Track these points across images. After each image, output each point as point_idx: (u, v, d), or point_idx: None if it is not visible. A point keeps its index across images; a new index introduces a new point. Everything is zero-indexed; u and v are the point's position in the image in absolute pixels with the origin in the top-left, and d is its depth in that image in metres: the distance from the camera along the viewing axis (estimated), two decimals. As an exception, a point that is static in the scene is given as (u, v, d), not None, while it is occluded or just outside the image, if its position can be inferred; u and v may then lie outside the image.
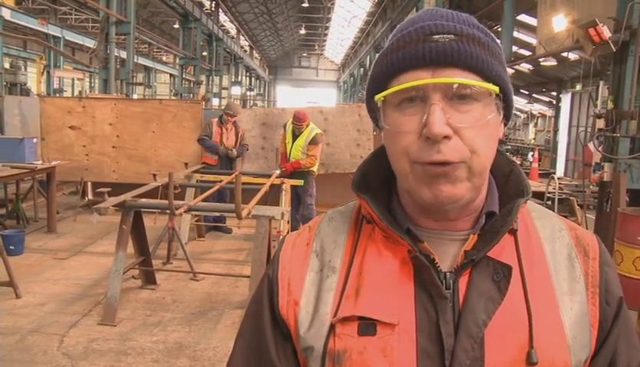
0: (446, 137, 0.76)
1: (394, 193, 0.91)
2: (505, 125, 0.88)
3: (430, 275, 0.81)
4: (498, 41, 0.85)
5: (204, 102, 12.38)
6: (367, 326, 0.81)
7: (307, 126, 7.61)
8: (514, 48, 12.95)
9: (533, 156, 15.59)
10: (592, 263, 0.88)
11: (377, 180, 0.92)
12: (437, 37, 0.78)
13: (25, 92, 17.42)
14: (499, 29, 13.31)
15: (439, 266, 0.82)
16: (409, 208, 0.88)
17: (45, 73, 21.31)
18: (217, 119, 8.22)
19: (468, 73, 0.78)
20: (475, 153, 0.78)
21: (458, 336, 0.78)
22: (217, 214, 7.63)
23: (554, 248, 0.88)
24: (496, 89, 0.80)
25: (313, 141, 7.56)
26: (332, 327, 0.83)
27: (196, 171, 7.44)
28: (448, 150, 0.76)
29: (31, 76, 22.72)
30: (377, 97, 0.83)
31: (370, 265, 0.86)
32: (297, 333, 0.87)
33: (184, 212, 4.95)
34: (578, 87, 16.23)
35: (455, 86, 0.77)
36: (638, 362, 0.88)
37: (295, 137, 7.63)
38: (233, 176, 5.03)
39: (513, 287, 0.81)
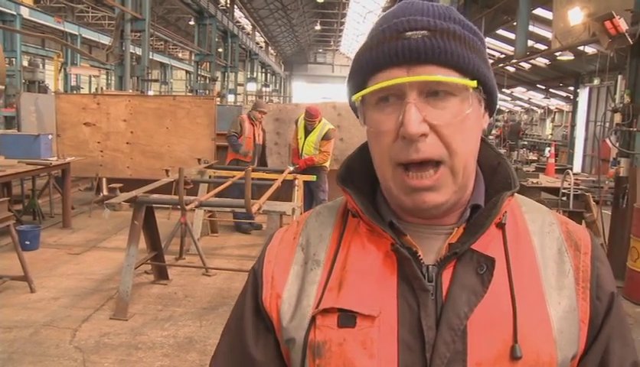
0: (423, 134, 0.76)
1: (379, 187, 0.90)
2: (490, 115, 0.87)
3: (412, 268, 0.80)
4: (480, 33, 0.83)
5: (218, 99, 12.42)
6: (347, 317, 0.81)
7: (319, 122, 7.60)
8: (530, 42, 12.79)
9: (550, 151, 15.44)
10: (584, 258, 0.86)
11: (363, 173, 0.91)
12: (410, 33, 0.77)
13: (43, 89, 17.61)
14: (514, 23, 13.18)
15: (421, 259, 0.82)
16: (393, 203, 0.87)
17: (62, 70, 21.51)
18: (246, 117, 8.18)
19: (444, 69, 0.77)
20: (454, 153, 0.77)
21: (440, 328, 0.78)
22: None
23: (544, 242, 0.86)
24: (473, 83, 0.78)
25: (325, 137, 7.55)
26: (313, 319, 0.83)
27: (209, 167, 7.46)
28: (426, 147, 0.76)
29: (49, 74, 22.95)
30: (353, 98, 0.83)
31: (354, 258, 0.85)
32: (280, 325, 0.87)
33: (195, 207, 4.96)
34: (596, 81, 16.02)
35: (430, 83, 0.76)
36: (632, 361, 0.86)
37: (307, 132, 7.62)
38: (244, 172, 5.03)
39: (498, 280, 0.80)
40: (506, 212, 0.86)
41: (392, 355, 0.78)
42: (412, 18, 0.79)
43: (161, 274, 5.74)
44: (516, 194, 0.89)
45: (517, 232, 0.86)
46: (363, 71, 0.81)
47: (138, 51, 16.59)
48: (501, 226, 0.85)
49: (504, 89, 22.67)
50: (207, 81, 26.93)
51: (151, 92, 18.65)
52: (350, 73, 0.85)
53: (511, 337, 0.77)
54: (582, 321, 0.83)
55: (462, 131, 0.78)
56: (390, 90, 0.78)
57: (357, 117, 0.89)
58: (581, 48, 11.04)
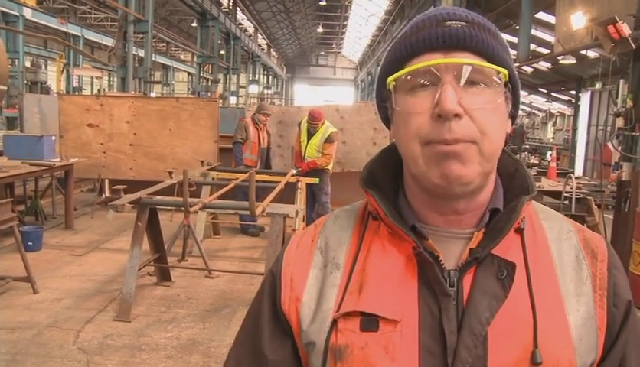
0: (457, 115, 0.77)
1: (401, 190, 0.91)
2: (513, 120, 0.88)
3: (434, 272, 0.81)
4: (506, 40, 0.86)
5: (220, 101, 12.43)
6: (370, 321, 0.81)
7: (322, 125, 7.61)
8: (532, 46, 12.81)
9: (551, 155, 15.43)
10: (600, 265, 0.86)
11: (384, 178, 0.92)
12: (450, 22, 0.81)
13: (45, 90, 17.65)
14: (517, 27, 13.20)
15: (443, 263, 0.82)
16: (416, 203, 0.88)
17: (65, 71, 21.55)
18: (250, 120, 8.17)
19: (479, 58, 0.80)
20: (486, 135, 0.78)
21: (461, 333, 0.78)
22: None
23: (561, 249, 0.87)
24: (505, 71, 0.81)
25: (328, 140, 7.56)
26: (334, 322, 0.83)
27: (212, 169, 7.47)
28: (460, 128, 0.77)
29: (51, 75, 22.99)
30: (388, 80, 0.83)
31: (374, 261, 0.86)
32: (299, 329, 0.87)
33: (199, 209, 4.98)
34: (597, 85, 16.03)
35: (466, 67, 0.78)
36: None
37: (310, 135, 7.64)
38: (248, 174, 5.04)
39: (518, 285, 0.81)
40: (524, 217, 0.86)
41: (413, 360, 0.79)
42: (450, 12, 0.83)
43: (164, 276, 5.74)
44: (533, 202, 0.90)
45: (534, 238, 0.87)
46: (400, 57, 0.83)
47: (141, 53, 16.63)
48: (519, 231, 0.86)
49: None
50: (209, 83, 27.00)
51: (153, 94, 18.69)
52: (385, 61, 0.87)
53: (531, 343, 0.78)
54: (600, 328, 0.83)
55: (494, 118, 0.80)
56: (427, 74, 0.79)
57: (382, 112, 0.90)
58: (583, 52, 11.05)
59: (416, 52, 0.81)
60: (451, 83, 0.77)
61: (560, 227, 0.90)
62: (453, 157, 0.77)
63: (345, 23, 46.98)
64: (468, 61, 0.78)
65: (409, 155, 0.82)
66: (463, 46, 0.79)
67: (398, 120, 0.84)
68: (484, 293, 0.80)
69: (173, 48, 36.57)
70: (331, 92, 62.89)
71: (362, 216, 0.93)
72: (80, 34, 21.49)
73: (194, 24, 29.73)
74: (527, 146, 23.03)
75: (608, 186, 7.60)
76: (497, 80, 0.80)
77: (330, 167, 7.72)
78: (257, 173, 6.04)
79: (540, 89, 22.70)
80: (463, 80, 0.78)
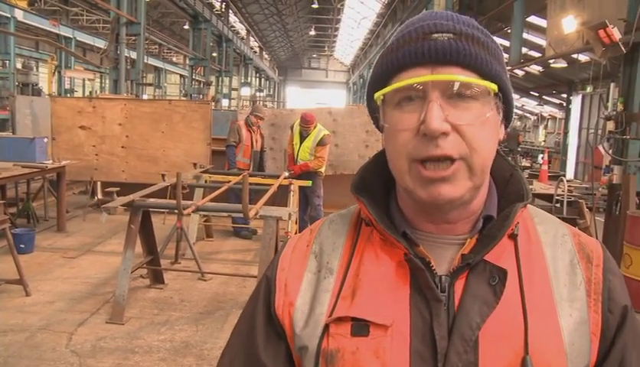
0: (444, 133, 0.76)
1: (393, 196, 0.91)
2: (506, 127, 0.88)
3: (425, 278, 0.81)
4: (498, 43, 0.85)
5: (213, 103, 12.41)
6: (360, 326, 0.82)
7: (314, 127, 7.62)
8: (524, 50, 12.87)
9: (543, 158, 15.51)
10: (596, 270, 0.86)
11: (376, 183, 0.92)
12: (436, 35, 0.79)
13: (37, 92, 17.57)
14: (509, 30, 13.27)
15: (434, 269, 0.82)
16: (407, 211, 0.88)
17: (56, 73, 21.44)
18: (243, 123, 8.17)
19: (467, 71, 0.78)
20: (475, 151, 0.78)
21: (452, 338, 0.78)
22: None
23: (556, 254, 0.86)
24: (494, 86, 0.80)
25: (321, 143, 7.57)
26: (326, 327, 0.83)
27: (205, 171, 7.47)
28: (447, 144, 0.76)
29: (43, 77, 22.88)
30: (376, 95, 0.83)
31: (367, 267, 0.86)
32: (292, 333, 0.87)
33: (192, 212, 4.97)
34: (588, 89, 16.12)
35: (454, 84, 0.77)
36: None
37: (302, 138, 7.65)
38: (241, 177, 5.05)
39: (510, 291, 0.80)
40: (518, 223, 0.86)
41: (404, 365, 0.79)
42: (438, 22, 0.81)
43: (157, 279, 5.74)
44: (529, 206, 0.89)
45: (529, 244, 0.86)
46: (387, 71, 0.82)
47: (133, 55, 16.56)
48: (513, 237, 0.85)
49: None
50: (202, 85, 26.94)
51: (145, 96, 18.64)
52: (372, 75, 0.86)
53: (522, 348, 0.78)
54: (594, 333, 0.83)
55: (483, 133, 0.79)
56: (413, 89, 0.78)
57: (374, 121, 0.90)
58: (574, 56, 11.12)
59: (403, 66, 0.80)
60: (437, 100, 0.76)
61: (555, 231, 0.90)
62: (441, 181, 0.78)
63: (337, 26, 47.04)
64: (454, 78, 0.77)
65: (397, 170, 0.83)
66: (450, 60, 0.77)
67: (387, 134, 0.84)
68: (476, 298, 0.80)
69: (165, 50, 36.50)
70: (323, 95, 62.96)
71: (356, 222, 0.93)
72: (71, 36, 21.38)
73: (186, 27, 29.66)
74: (519, 149, 23.13)
75: (600, 189, 7.65)
76: (486, 93, 0.79)
77: (322, 169, 7.73)
78: (250, 175, 6.04)
79: (531, 93, 22.82)
80: (451, 93, 0.77)
